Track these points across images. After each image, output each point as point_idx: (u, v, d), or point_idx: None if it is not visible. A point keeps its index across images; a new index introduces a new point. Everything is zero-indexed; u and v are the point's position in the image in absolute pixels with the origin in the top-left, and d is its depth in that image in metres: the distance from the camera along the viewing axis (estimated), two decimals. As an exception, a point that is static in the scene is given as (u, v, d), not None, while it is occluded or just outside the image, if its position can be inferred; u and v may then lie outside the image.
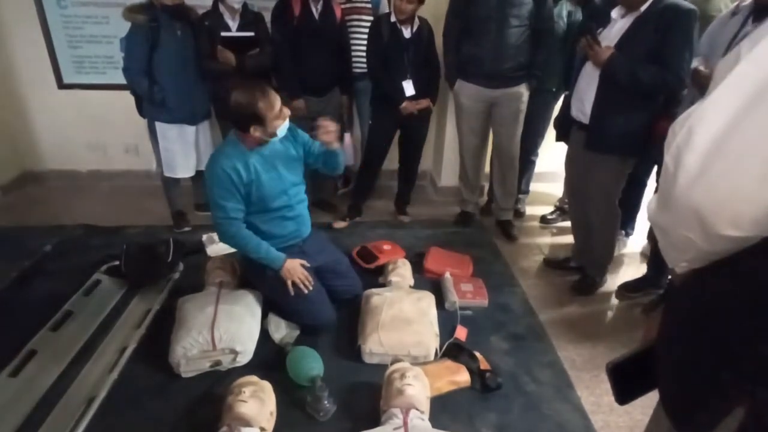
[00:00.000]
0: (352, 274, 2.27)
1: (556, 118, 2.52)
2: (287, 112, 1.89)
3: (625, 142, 2.07)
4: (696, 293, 0.67)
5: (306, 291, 1.97)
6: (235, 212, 1.89)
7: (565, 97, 2.66)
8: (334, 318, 2.07)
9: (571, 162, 2.44)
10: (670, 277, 2.37)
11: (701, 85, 1.92)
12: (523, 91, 2.68)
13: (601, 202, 2.27)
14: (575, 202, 2.49)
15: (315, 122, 2.04)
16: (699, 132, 0.58)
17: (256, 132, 1.83)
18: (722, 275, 0.62)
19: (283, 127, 1.88)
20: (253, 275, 2.12)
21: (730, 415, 0.59)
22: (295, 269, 1.97)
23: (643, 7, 1.91)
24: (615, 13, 2.02)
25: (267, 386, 1.61)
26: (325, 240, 2.31)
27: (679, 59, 1.87)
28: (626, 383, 0.81)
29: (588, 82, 2.09)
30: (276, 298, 2.05)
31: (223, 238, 1.97)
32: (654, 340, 0.77)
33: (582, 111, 2.15)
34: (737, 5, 1.98)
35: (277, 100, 1.84)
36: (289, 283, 1.96)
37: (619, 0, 1.99)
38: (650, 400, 0.82)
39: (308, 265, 2.04)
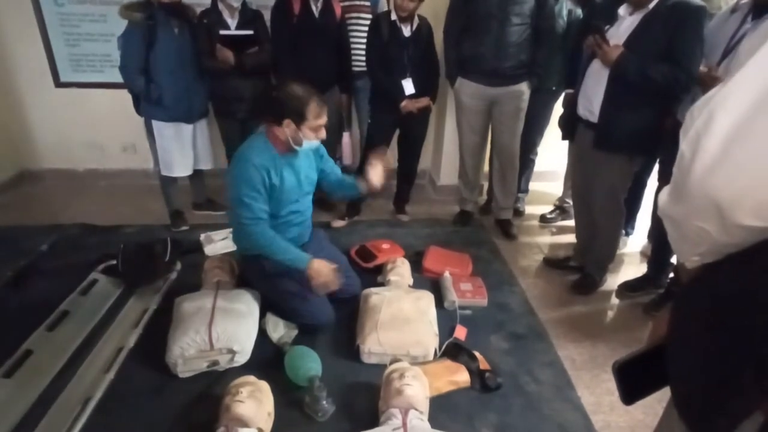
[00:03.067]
0: (351, 273, 2.26)
1: (561, 117, 2.50)
2: (323, 134, 1.91)
3: (635, 141, 2.06)
4: (712, 290, 0.64)
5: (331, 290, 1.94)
6: (261, 212, 1.87)
7: (567, 96, 2.65)
8: (333, 318, 2.05)
9: (577, 161, 2.43)
10: (672, 275, 2.36)
11: (700, 83, 1.91)
12: (524, 89, 2.67)
13: (607, 201, 2.26)
14: (580, 200, 2.48)
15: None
16: (720, 116, 0.54)
17: (287, 128, 1.83)
18: (743, 270, 0.59)
19: (309, 144, 1.89)
20: (251, 274, 2.10)
21: (750, 418, 0.57)
22: (323, 270, 1.89)
23: (651, 5, 1.90)
24: (622, 10, 2.01)
25: (265, 386, 1.60)
26: (324, 240, 2.30)
27: (690, 56, 1.86)
28: (633, 383, 0.78)
29: (596, 81, 2.08)
30: (275, 298, 2.03)
31: (245, 239, 1.91)
32: (662, 339, 0.74)
33: (589, 110, 2.14)
34: (737, 2, 1.97)
35: (324, 117, 1.87)
36: (315, 282, 1.89)
37: None
38: (652, 399, 0.81)
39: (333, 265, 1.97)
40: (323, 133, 1.90)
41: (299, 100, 1.81)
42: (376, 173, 2.09)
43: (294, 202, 2.00)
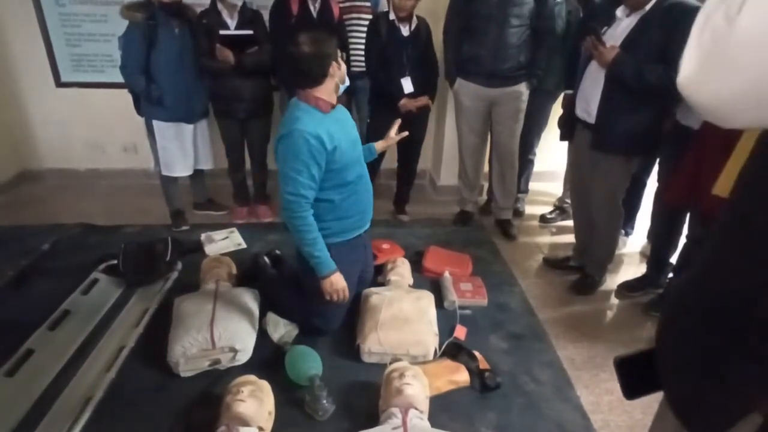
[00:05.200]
0: (371, 278, 2.24)
1: (560, 118, 2.51)
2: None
3: (632, 142, 2.07)
4: (709, 289, 0.63)
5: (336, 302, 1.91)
6: (304, 188, 1.72)
7: (567, 96, 2.66)
8: (338, 326, 2.05)
9: (575, 161, 2.44)
10: (671, 275, 2.37)
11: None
12: (523, 90, 2.67)
13: (605, 202, 2.27)
14: (579, 201, 2.49)
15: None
16: None
17: (335, 71, 1.74)
18: (740, 266, 0.57)
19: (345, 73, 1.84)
20: (302, 261, 1.96)
21: (745, 418, 0.57)
22: (339, 285, 1.86)
23: (648, 6, 1.91)
24: (620, 12, 2.02)
25: (265, 386, 1.60)
26: (369, 239, 2.22)
27: None
28: (635, 379, 0.79)
29: (593, 82, 2.09)
30: (309, 292, 1.94)
31: (286, 216, 1.79)
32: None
33: (587, 111, 2.14)
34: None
35: None
36: (326, 294, 1.86)
37: None
38: (651, 399, 0.81)
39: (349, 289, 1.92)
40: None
41: (326, 44, 1.71)
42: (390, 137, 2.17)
43: (356, 163, 1.88)
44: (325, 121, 1.75)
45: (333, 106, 1.81)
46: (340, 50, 1.79)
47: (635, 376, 0.78)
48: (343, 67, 1.80)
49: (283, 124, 1.78)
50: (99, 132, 3.45)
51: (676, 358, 0.68)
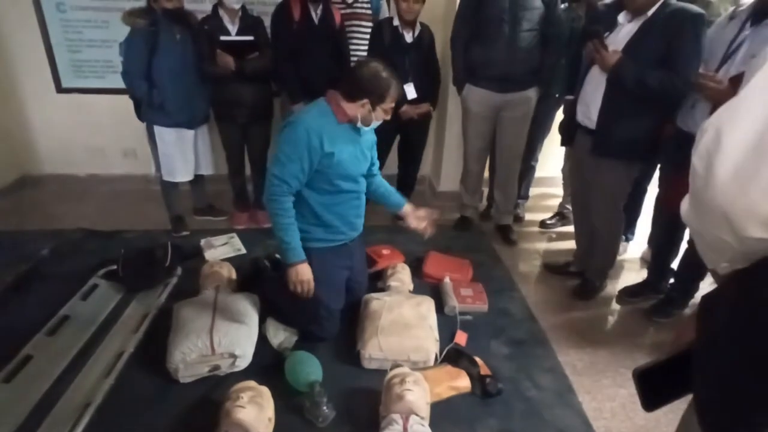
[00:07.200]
0: (366, 286, 2.24)
1: (561, 123, 2.52)
2: (389, 114, 1.88)
3: (632, 148, 2.07)
4: (745, 298, 0.63)
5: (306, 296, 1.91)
6: (290, 176, 1.77)
7: (568, 102, 2.67)
8: (336, 332, 2.04)
9: (576, 167, 2.44)
10: (672, 281, 2.36)
11: (700, 88, 1.92)
12: (532, 95, 2.68)
13: (605, 207, 2.27)
14: (579, 206, 2.49)
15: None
16: (729, 134, 0.55)
17: (363, 107, 1.79)
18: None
19: (374, 124, 1.88)
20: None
21: None
22: (304, 276, 1.87)
23: (651, 12, 1.92)
24: (622, 17, 2.02)
25: (265, 392, 1.59)
26: (362, 247, 2.25)
27: (687, 63, 1.87)
28: (654, 389, 0.77)
29: (594, 87, 2.09)
30: (302, 300, 1.94)
31: (265, 198, 1.84)
32: (687, 345, 0.73)
33: (588, 116, 2.15)
34: (735, 9, 1.99)
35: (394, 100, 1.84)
36: (291, 284, 1.88)
37: (626, 4, 1.99)
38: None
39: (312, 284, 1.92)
40: (388, 116, 1.88)
41: (384, 81, 1.76)
42: (419, 223, 2.12)
43: (353, 179, 1.91)
44: (333, 127, 1.80)
45: (350, 123, 1.85)
46: (386, 108, 1.82)
47: (655, 387, 0.76)
48: (374, 118, 1.83)
49: (298, 112, 1.85)
50: (99, 137, 3.45)
51: (707, 366, 0.67)
